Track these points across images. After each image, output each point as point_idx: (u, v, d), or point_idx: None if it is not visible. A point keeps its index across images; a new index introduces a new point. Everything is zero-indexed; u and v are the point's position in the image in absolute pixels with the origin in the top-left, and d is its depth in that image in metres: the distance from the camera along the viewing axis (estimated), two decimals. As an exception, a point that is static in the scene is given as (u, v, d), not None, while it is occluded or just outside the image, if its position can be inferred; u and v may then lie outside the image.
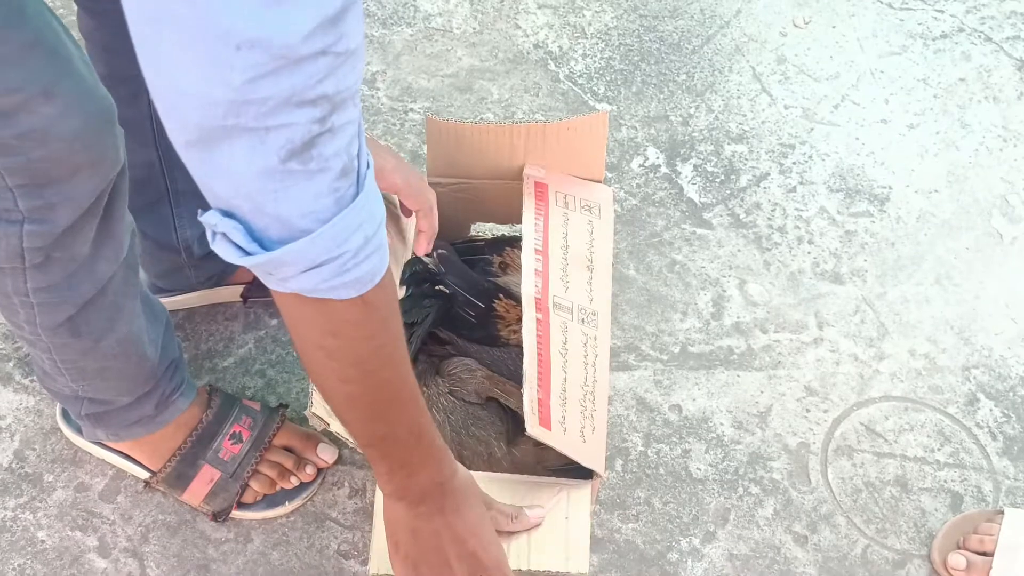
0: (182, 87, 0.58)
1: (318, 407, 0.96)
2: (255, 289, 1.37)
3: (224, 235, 0.66)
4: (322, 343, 0.74)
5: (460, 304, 1.17)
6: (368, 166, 0.68)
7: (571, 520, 1.00)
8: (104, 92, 0.88)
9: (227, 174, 0.62)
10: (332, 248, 0.66)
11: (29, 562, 1.19)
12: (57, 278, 0.97)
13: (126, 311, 1.06)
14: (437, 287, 1.21)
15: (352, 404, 0.81)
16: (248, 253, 0.66)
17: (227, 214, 0.66)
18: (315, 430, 1.13)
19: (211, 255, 1.29)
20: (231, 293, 1.38)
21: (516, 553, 0.97)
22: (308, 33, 0.57)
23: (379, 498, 1.01)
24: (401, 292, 1.18)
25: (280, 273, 0.68)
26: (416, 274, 1.21)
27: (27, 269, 0.95)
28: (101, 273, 1.00)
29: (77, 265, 0.97)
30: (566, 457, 1.09)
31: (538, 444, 1.11)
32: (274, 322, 1.39)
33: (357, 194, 0.67)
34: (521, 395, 1.14)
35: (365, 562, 1.19)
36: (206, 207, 1.29)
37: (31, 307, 0.99)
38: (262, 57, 0.56)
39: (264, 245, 0.66)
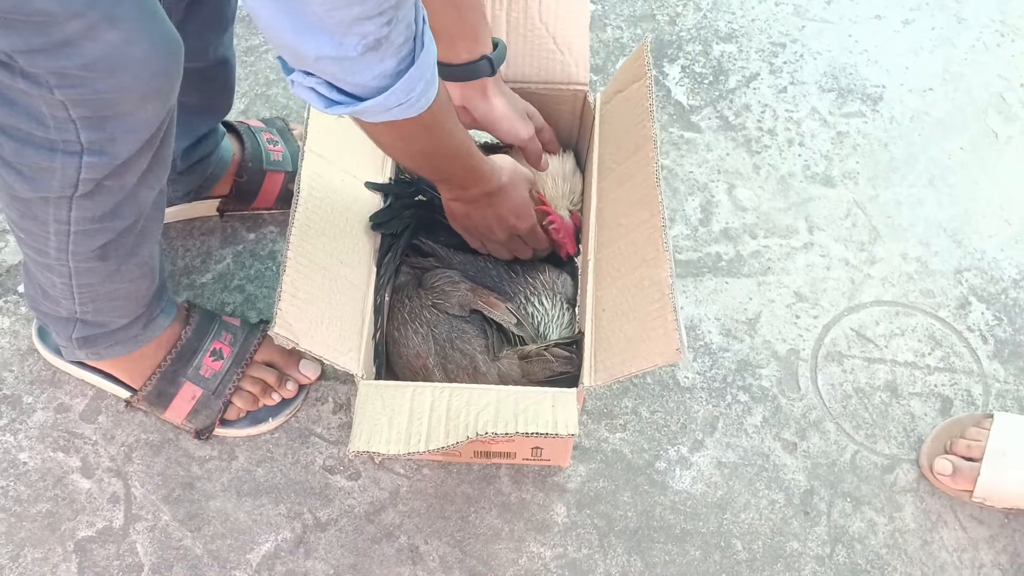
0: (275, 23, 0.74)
1: (282, 327, 0.94)
2: (231, 202, 1.33)
3: (311, 88, 0.80)
4: (397, 145, 0.95)
5: (439, 210, 1.14)
6: (423, 21, 0.80)
7: (558, 407, 0.98)
8: (166, 18, 0.86)
9: (316, 60, 0.76)
10: (402, 96, 0.81)
11: (12, 484, 1.18)
12: (104, 208, 0.95)
13: (151, 234, 1.05)
14: (417, 196, 1.18)
15: (419, 165, 1.01)
16: (335, 103, 0.81)
17: (310, 75, 0.79)
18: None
19: (192, 169, 1.27)
20: (207, 207, 1.34)
21: (506, 421, 0.96)
22: None
23: (361, 389, 0.99)
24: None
25: (362, 116, 0.84)
26: (395, 183, 1.18)
27: (74, 198, 0.93)
28: (143, 199, 0.98)
29: (125, 194, 0.95)
30: (551, 369, 1.08)
31: (523, 357, 1.09)
32: (252, 236, 1.35)
33: (418, 49, 0.80)
34: (505, 307, 1.12)
35: (351, 477, 1.19)
36: (196, 121, 1.24)
37: (66, 235, 0.97)
38: None
39: (349, 95, 0.80)
